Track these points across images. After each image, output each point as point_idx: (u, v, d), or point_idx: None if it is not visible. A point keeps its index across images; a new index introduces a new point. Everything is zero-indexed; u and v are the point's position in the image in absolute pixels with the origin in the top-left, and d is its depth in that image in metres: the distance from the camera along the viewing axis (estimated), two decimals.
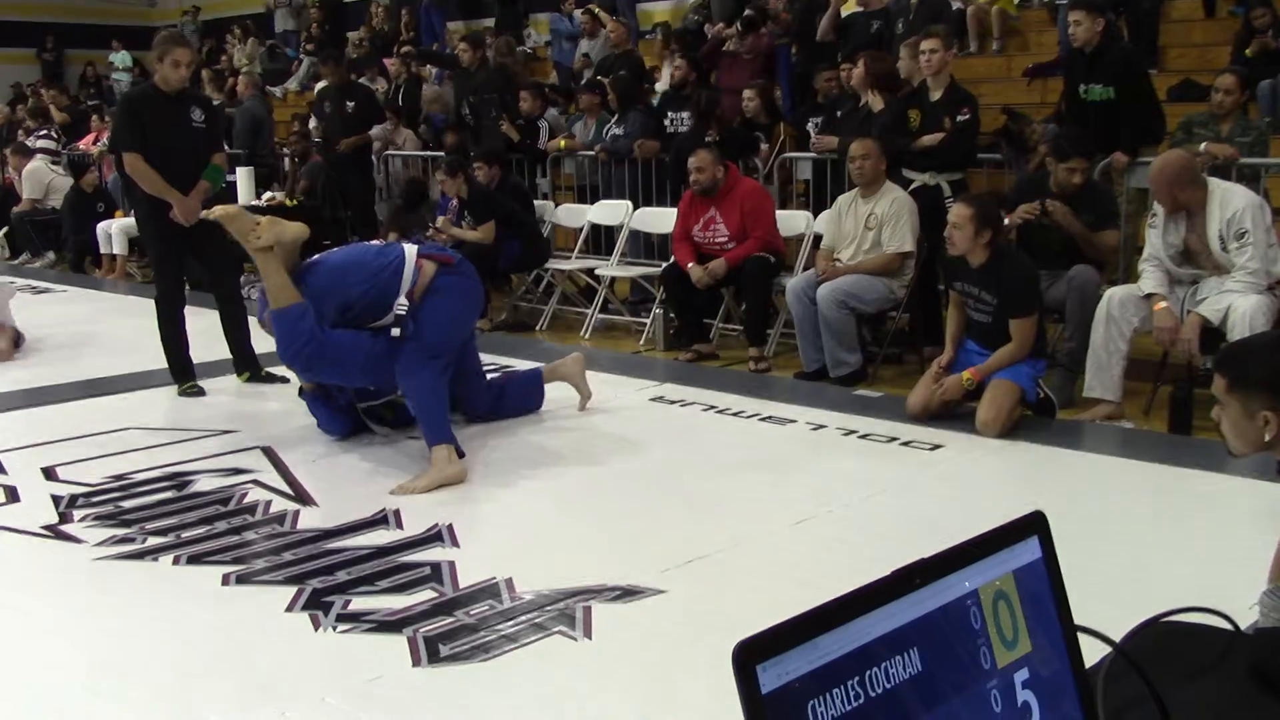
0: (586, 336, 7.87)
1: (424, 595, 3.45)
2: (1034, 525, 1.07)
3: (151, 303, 6.24)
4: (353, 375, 4.87)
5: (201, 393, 6.05)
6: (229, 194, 9.13)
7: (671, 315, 7.40)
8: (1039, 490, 4.37)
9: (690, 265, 6.85)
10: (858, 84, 7.45)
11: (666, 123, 8.60)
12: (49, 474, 4.75)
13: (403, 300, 4.76)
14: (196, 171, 5.97)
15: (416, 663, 3.03)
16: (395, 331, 4.73)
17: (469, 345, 5.23)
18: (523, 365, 6.49)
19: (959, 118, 6.51)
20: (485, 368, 5.57)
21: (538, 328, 8.23)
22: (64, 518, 4.24)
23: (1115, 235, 5.90)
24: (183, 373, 6.12)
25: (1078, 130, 6.25)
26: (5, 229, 12.36)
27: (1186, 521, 4.01)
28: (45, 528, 4.14)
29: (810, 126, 8.11)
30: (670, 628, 3.21)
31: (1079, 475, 4.60)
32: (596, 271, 8.17)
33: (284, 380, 6.01)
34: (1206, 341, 5.12)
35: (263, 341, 6.29)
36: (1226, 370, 2.34)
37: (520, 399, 5.49)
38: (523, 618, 3.27)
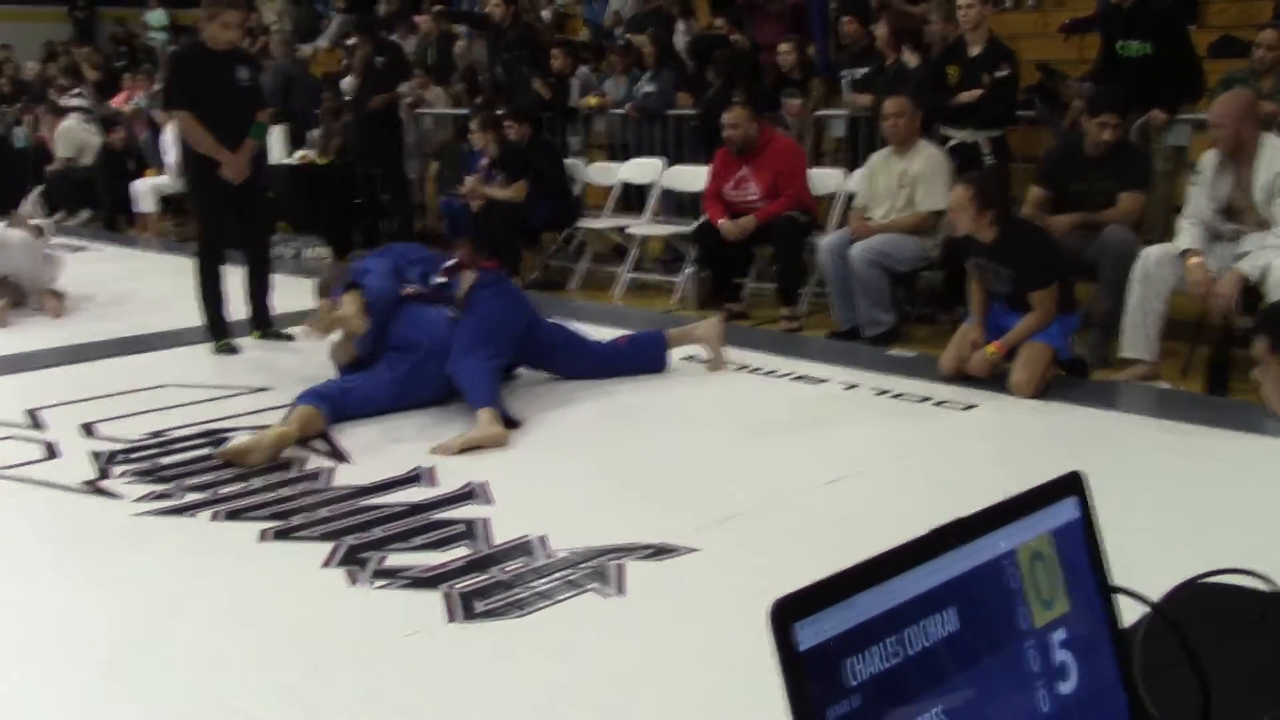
0: (618, 295, 7.86)
1: (459, 552, 3.48)
2: (1072, 485, 1.06)
3: (185, 260, 6.29)
4: (381, 407, 4.93)
5: (235, 350, 6.10)
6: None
7: (704, 275, 7.37)
8: (1074, 451, 4.34)
9: (720, 220, 6.82)
10: (884, 44, 7.37)
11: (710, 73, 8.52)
12: (88, 430, 4.81)
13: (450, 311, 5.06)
14: (243, 129, 6.03)
15: (451, 619, 3.06)
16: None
17: (540, 326, 5.30)
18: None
19: (998, 74, 6.42)
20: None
21: (569, 287, 8.22)
22: (103, 474, 4.29)
23: (1139, 199, 5.74)
24: (219, 330, 6.17)
25: (1113, 86, 6.16)
26: (40, 188, 12.44)
27: (1224, 483, 3.99)
28: (85, 483, 4.20)
29: (844, 78, 8.02)
30: (703, 585, 3.22)
31: (1114, 436, 4.57)
32: (628, 230, 8.15)
33: (290, 339, 6.15)
34: (1246, 300, 5.06)
35: (281, 301, 6.36)
36: (1269, 332, 2.31)
37: (636, 364, 5.47)
38: (557, 575, 3.29)
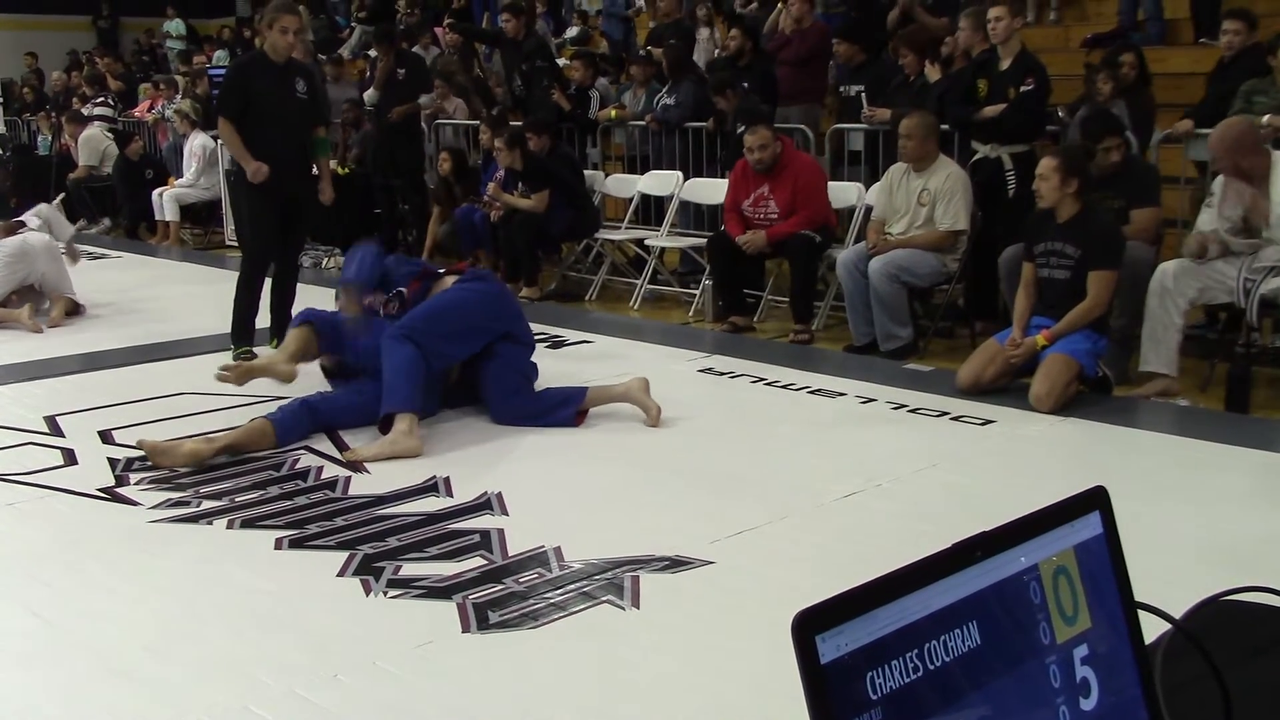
0: (635, 307, 7.86)
1: (474, 562, 3.48)
2: (1096, 500, 1.05)
3: (205, 268, 6.33)
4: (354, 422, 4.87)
5: (254, 358, 6.12)
6: None
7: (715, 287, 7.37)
8: (1092, 467, 4.33)
9: (739, 235, 6.82)
10: (910, 66, 7.35)
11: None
12: (105, 437, 4.83)
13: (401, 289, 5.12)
14: (299, 140, 6.09)
15: (466, 629, 3.06)
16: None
17: (504, 350, 4.97)
18: (573, 335, 6.51)
19: (1022, 87, 6.38)
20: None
21: (587, 298, 8.23)
22: (120, 480, 4.31)
23: (1152, 214, 5.73)
24: (243, 336, 6.22)
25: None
26: (62, 195, 12.53)
27: (1245, 500, 3.96)
28: (102, 490, 4.22)
29: (843, 94, 8.06)
30: (718, 598, 3.22)
31: (1134, 452, 4.54)
32: (646, 242, 8.16)
33: None
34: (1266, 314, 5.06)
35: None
36: None
37: (533, 413, 4.92)
38: (571, 586, 3.29)
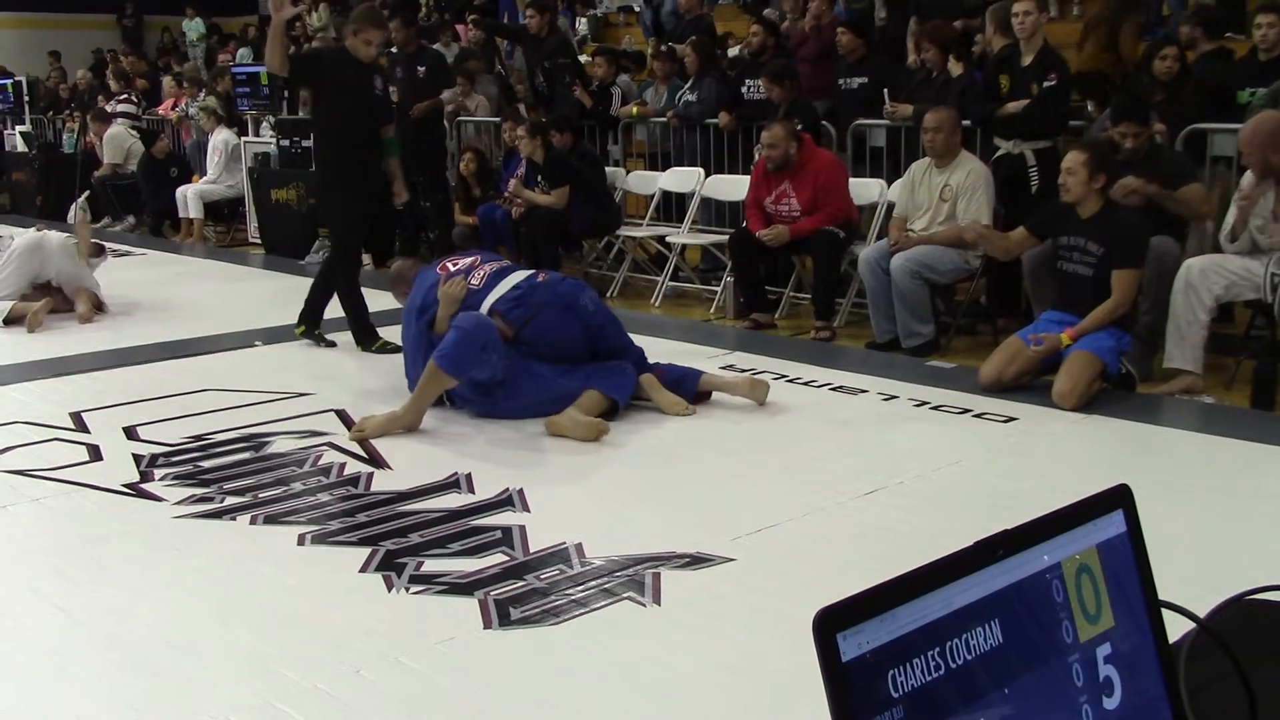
0: (657, 304, 7.86)
1: (495, 559, 3.49)
2: (1119, 498, 1.05)
3: (227, 265, 6.36)
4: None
5: (391, 347, 6.07)
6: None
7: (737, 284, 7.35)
8: (1116, 465, 4.30)
9: (760, 231, 6.81)
10: (934, 61, 7.32)
11: (744, 90, 8.50)
12: (130, 434, 4.86)
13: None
14: (372, 133, 6.23)
15: (488, 625, 3.07)
16: None
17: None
18: None
19: (1045, 83, 6.34)
20: None
21: (608, 295, 8.22)
22: (145, 476, 4.33)
23: (1199, 187, 5.68)
24: (369, 333, 6.30)
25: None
26: (87, 193, 12.60)
27: (1271, 498, 3.93)
28: (126, 486, 4.24)
29: (841, 86, 8.05)
30: (739, 596, 3.21)
31: (1158, 450, 4.52)
32: (667, 239, 8.15)
33: (331, 344, 6.32)
34: None
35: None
36: None
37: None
38: (592, 583, 3.29)
